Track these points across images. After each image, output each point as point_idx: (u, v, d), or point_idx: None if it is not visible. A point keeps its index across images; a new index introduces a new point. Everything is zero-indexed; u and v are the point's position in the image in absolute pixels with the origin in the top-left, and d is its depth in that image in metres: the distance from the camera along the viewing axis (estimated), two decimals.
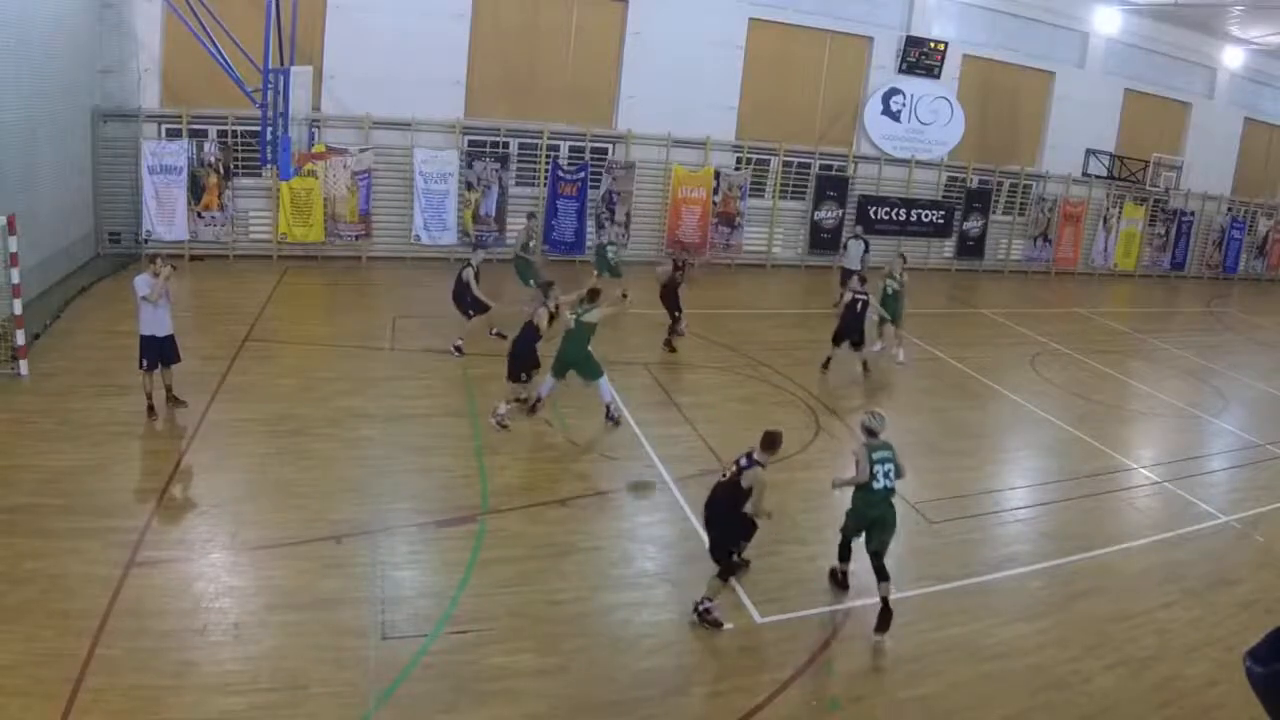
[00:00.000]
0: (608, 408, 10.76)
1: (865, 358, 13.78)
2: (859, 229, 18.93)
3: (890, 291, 14.60)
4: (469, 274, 12.89)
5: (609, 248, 16.52)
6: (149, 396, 9.67)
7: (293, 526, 7.76)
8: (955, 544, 8.79)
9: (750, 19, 20.06)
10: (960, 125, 22.66)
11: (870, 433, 7.40)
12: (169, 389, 9.88)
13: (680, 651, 6.72)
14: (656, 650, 6.72)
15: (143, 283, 9.34)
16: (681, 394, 12.10)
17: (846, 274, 18.00)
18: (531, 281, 14.67)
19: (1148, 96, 25.37)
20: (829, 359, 13.69)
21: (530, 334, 10.40)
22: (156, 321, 9.47)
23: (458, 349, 12.71)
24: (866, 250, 18.00)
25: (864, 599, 7.64)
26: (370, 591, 7.00)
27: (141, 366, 9.56)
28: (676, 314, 14.05)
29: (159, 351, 9.58)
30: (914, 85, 21.90)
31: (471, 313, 12.92)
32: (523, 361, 10.47)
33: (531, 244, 15.31)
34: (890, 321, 14.65)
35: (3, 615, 6.20)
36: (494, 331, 13.08)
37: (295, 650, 6.20)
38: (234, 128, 16.65)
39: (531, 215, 16.40)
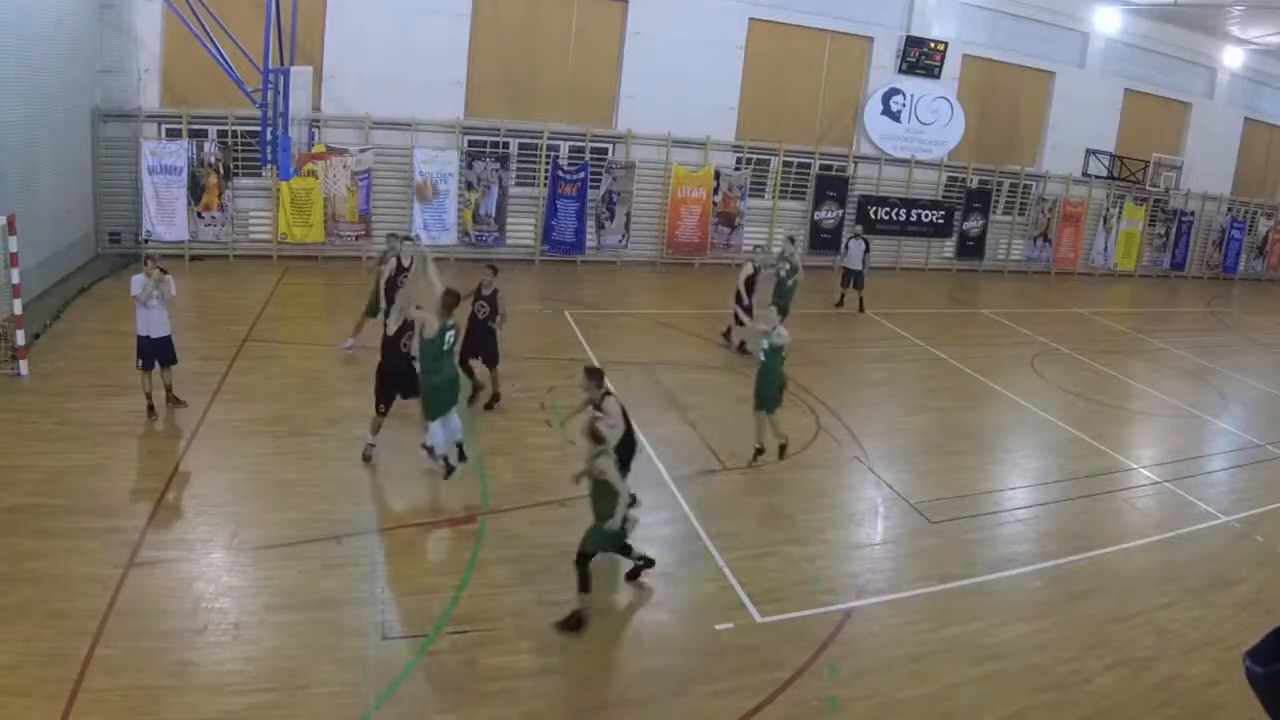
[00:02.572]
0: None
1: (745, 338, 13.94)
2: (859, 229, 18.94)
3: (788, 281, 14.62)
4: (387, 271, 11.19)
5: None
6: (148, 396, 9.68)
7: (293, 526, 7.75)
8: (955, 544, 8.79)
9: (750, 19, 20.06)
10: (960, 125, 22.66)
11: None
12: (169, 389, 9.88)
13: (680, 651, 6.72)
14: (656, 650, 6.72)
15: (136, 283, 9.39)
16: (681, 394, 12.10)
17: (848, 274, 18.03)
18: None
19: (1148, 96, 25.37)
20: (743, 341, 14.12)
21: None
22: (150, 323, 9.49)
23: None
24: (867, 250, 18.02)
25: (864, 599, 7.66)
26: (370, 591, 7.00)
27: (138, 366, 9.59)
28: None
29: (154, 352, 9.60)
30: (914, 85, 21.91)
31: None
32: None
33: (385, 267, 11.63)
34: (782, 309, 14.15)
35: (3, 615, 6.20)
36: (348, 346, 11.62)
37: (295, 650, 6.20)
38: (234, 128, 16.65)
39: (392, 235, 12.64)
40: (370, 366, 9.57)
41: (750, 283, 13.88)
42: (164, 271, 9.49)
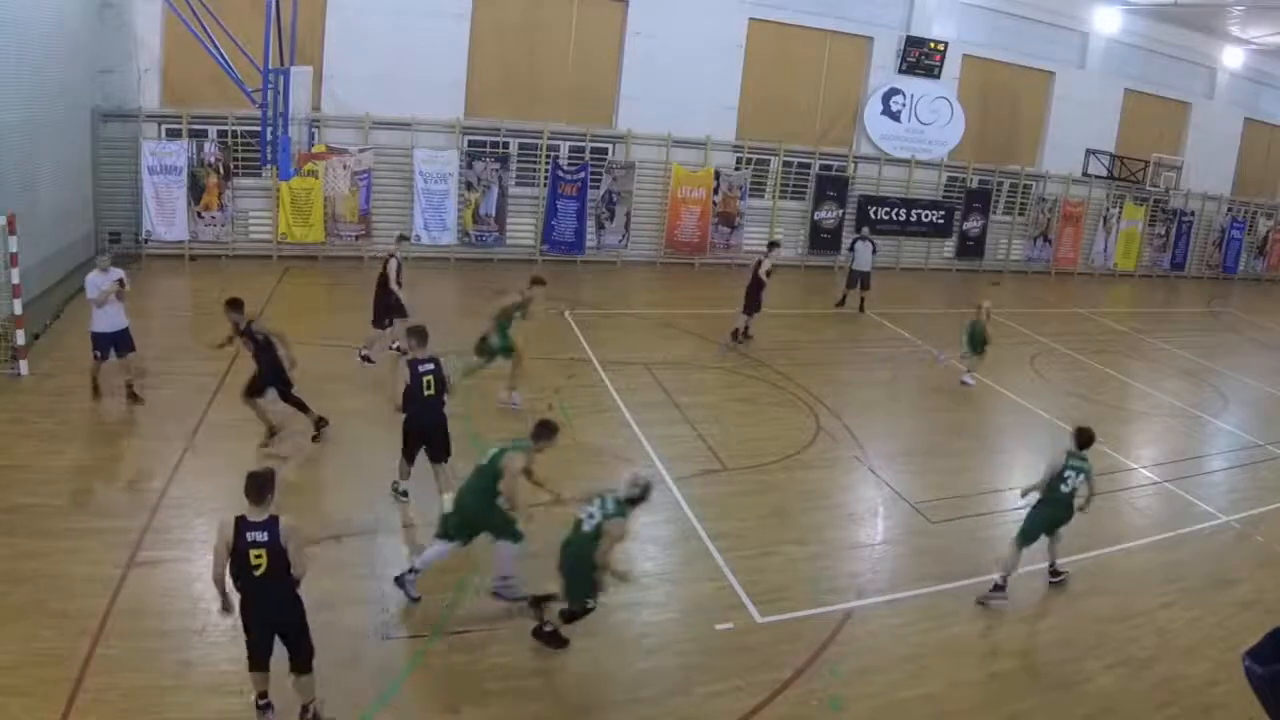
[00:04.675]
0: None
1: (748, 324, 14.72)
2: (865, 230, 18.83)
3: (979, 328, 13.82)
4: (393, 266, 11.69)
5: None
6: (96, 379, 9.99)
7: None
8: (955, 544, 8.79)
9: (750, 19, 20.05)
10: (960, 125, 22.66)
11: None
12: (130, 383, 10.11)
13: (680, 651, 6.72)
14: (656, 650, 6.72)
15: (92, 286, 9.65)
16: (681, 394, 12.09)
17: (854, 275, 17.82)
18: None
19: (1148, 96, 25.37)
20: (736, 330, 14.65)
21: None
22: (108, 319, 9.76)
23: (365, 358, 11.81)
24: (875, 251, 17.95)
25: (864, 599, 7.66)
26: (371, 592, 6.99)
27: (96, 357, 9.89)
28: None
29: (111, 343, 9.88)
30: (914, 85, 21.90)
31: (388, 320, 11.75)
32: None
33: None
34: (977, 353, 13.66)
35: (3, 615, 6.20)
36: (395, 345, 11.64)
37: None
38: (234, 128, 16.65)
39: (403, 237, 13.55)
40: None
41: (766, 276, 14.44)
42: (122, 285, 9.80)
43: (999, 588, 7.70)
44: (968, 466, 10.90)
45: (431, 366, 7.96)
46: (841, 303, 18.01)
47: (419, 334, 8.14)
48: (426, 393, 7.91)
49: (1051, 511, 7.80)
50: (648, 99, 19.39)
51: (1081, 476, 7.77)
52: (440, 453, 8.20)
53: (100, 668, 5.79)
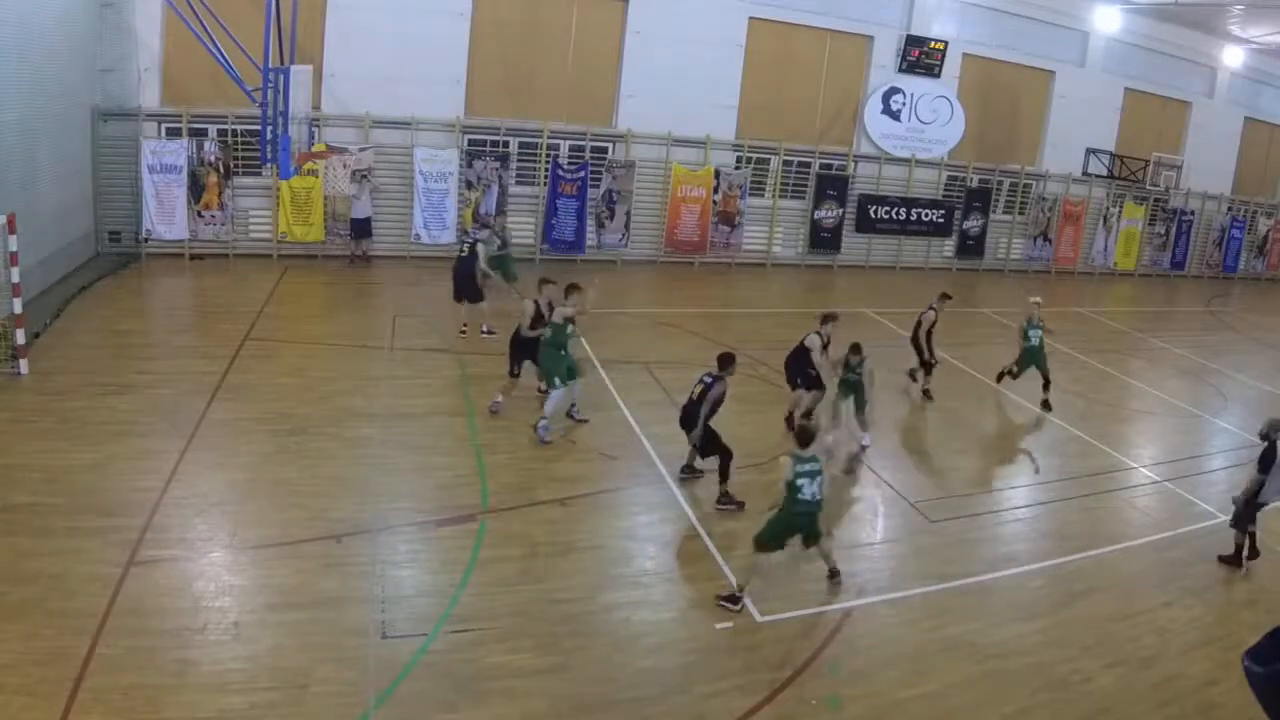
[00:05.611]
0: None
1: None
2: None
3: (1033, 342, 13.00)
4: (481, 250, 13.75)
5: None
6: None
7: (293, 526, 7.75)
8: (955, 543, 8.79)
9: (750, 18, 20.06)
10: (960, 124, 22.66)
11: None
12: None
13: (680, 651, 6.72)
14: (656, 649, 6.72)
15: None
16: (681, 394, 11.97)
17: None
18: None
19: (1148, 96, 25.37)
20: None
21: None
22: None
23: (489, 331, 13.57)
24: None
25: (865, 598, 7.66)
26: (370, 590, 7.00)
27: None
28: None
29: None
30: (914, 84, 21.90)
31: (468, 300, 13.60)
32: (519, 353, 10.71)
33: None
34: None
35: (3, 614, 6.19)
36: (486, 329, 13.67)
37: (295, 649, 6.20)
38: (234, 127, 16.65)
39: (502, 213, 17.29)
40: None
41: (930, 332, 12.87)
42: None
43: (735, 598, 7.18)
44: (967, 465, 10.91)
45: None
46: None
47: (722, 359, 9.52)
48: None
49: (800, 522, 7.18)
50: (647, 98, 19.40)
51: (817, 481, 7.04)
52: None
53: (100, 667, 5.79)
